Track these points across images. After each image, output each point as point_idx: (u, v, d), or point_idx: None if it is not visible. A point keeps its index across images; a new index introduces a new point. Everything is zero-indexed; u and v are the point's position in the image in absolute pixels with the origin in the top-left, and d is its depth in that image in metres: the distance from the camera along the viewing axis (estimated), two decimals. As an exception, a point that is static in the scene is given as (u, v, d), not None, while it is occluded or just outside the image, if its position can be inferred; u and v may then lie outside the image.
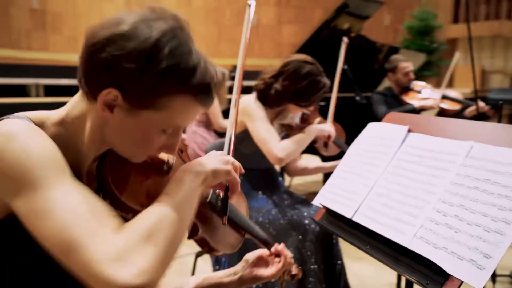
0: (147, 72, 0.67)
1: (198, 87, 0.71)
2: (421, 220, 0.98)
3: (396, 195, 1.09)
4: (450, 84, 9.89)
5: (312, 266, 1.75)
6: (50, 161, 0.65)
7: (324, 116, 2.14)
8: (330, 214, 1.23)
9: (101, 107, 0.70)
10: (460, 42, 14.80)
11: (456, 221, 0.92)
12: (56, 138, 0.73)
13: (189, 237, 0.84)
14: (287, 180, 3.84)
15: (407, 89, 3.12)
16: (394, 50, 4.76)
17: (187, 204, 0.70)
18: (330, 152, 2.06)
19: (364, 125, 1.37)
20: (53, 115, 0.77)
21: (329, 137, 1.93)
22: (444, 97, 2.92)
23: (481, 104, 2.82)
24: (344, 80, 3.62)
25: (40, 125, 0.74)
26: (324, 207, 1.24)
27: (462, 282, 0.83)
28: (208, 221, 0.86)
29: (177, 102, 0.71)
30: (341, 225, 1.18)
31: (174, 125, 0.75)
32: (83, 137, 0.76)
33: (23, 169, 0.62)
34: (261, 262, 1.03)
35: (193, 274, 2.27)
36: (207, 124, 3.51)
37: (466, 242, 0.87)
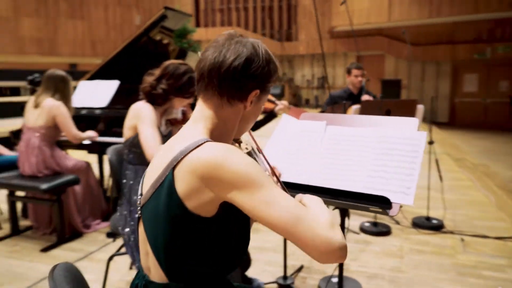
0: (269, 72, 1.04)
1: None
2: (363, 176, 1.64)
3: (336, 166, 1.71)
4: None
5: None
6: (259, 167, 0.91)
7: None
8: (287, 187, 1.74)
9: (249, 104, 1.04)
10: (203, 43, 16.82)
11: (384, 173, 1.61)
12: None
13: None
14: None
15: None
16: (183, 52, 5.36)
17: None
18: None
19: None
20: (205, 132, 1.02)
21: None
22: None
23: (285, 102, 3.78)
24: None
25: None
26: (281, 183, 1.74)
27: (400, 205, 1.52)
28: None
29: (273, 84, 1.10)
30: (298, 192, 1.71)
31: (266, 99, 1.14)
32: (228, 136, 1.07)
33: (249, 173, 0.88)
34: None
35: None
36: (50, 137, 3.25)
37: (395, 183, 1.57)
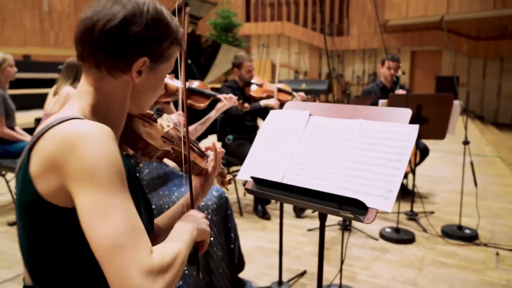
0: (162, 35, 0.86)
1: (181, 38, 0.93)
2: (338, 176, 1.40)
3: (312, 161, 1.49)
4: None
5: (218, 240, 2.04)
6: (118, 168, 0.74)
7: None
8: (259, 183, 1.55)
9: (135, 74, 0.86)
10: (252, 38, 16.75)
11: (363, 172, 1.36)
12: None
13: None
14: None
15: (249, 83, 3.60)
16: (217, 45, 5.26)
17: (189, 247, 0.83)
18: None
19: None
20: (85, 109, 0.86)
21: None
22: (279, 90, 3.52)
23: (302, 94, 3.54)
24: (189, 74, 3.91)
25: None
26: (253, 178, 1.54)
27: (377, 210, 1.28)
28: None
29: (174, 51, 0.92)
30: (270, 191, 1.51)
31: (171, 69, 0.95)
32: (116, 113, 0.89)
33: (98, 168, 0.71)
34: None
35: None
36: None
37: (373, 184, 1.32)
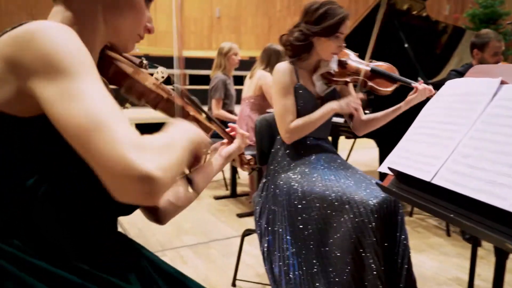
0: None
1: None
2: (527, 181, 0.78)
3: (488, 155, 0.89)
4: None
5: (374, 247, 1.57)
6: (83, 53, 0.64)
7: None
8: (401, 180, 1.05)
9: None
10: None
11: None
12: None
13: None
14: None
15: None
16: (459, 31, 4.39)
17: (187, 144, 0.71)
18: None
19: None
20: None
21: (356, 109, 1.86)
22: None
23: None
24: (406, 63, 3.35)
25: None
26: (394, 172, 1.06)
27: None
28: None
29: None
30: (415, 192, 1.00)
31: None
32: (87, 34, 0.76)
33: (59, 55, 0.61)
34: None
35: (239, 256, 2.15)
36: (260, 108, 3.41)
37: None
